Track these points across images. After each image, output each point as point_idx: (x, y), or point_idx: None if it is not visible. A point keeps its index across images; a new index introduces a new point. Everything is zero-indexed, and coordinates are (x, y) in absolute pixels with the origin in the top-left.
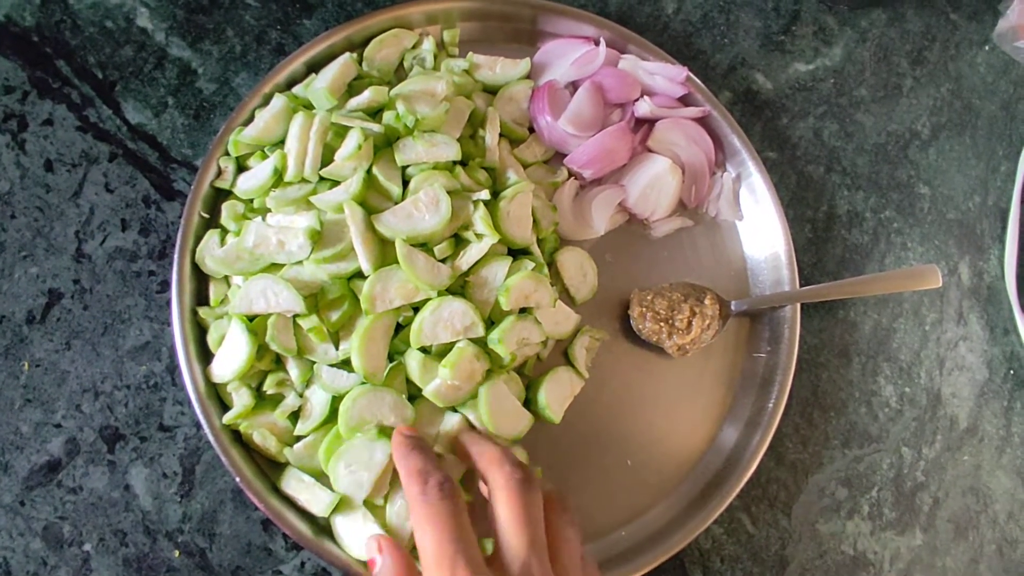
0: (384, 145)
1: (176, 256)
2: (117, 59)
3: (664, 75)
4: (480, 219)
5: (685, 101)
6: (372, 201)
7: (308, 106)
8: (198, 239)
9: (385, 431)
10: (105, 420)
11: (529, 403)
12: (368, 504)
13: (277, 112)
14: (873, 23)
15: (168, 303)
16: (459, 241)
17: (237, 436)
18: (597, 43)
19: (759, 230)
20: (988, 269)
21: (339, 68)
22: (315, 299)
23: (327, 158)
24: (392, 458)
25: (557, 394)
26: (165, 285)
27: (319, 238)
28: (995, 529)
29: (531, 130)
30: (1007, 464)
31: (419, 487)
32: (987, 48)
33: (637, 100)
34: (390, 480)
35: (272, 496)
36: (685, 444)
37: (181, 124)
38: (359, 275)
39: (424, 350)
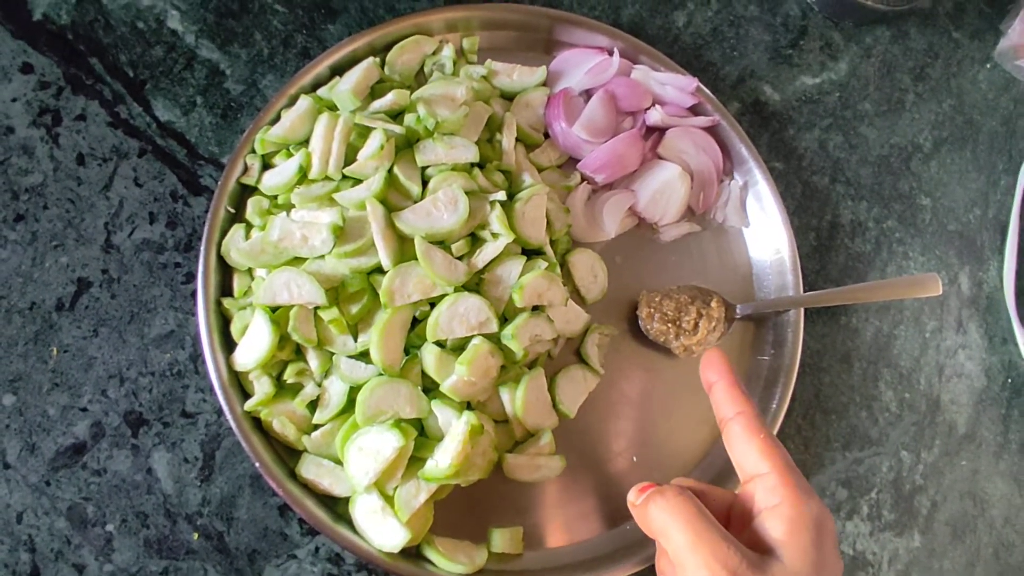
0: (405, 146)
1: (202, 248)
2: (148, 58)
3: (675, 85)
4: (496, 219)
5: (695, 111)
6: (393, 199)
7: (332, 107)
8: (224, 233)
9: (399, 423)
10: (130, 405)
11: None
12: (380, 492)
13: (303, 113)
14: (878, 40)
15: (193, 294)
16: (475, 240)
17: (257, 423)
18: (611, 53)
19: (765, 237)
20: (987, 280)
21: (363, 72)
22: (336, 292)
23: (350, 157)
24: (402, 450)
25: (571, 391)
26: (190, 276)
27: (341, 234)
28: (992, 533)
29: (546, 135)
30: (1004, 470)
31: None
32: (988, 66)
33: (648, 109)
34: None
35: (290, 482)
36: (689, 442)
37: (209, 123)
38: (379, 270)
39: (440, 344)
